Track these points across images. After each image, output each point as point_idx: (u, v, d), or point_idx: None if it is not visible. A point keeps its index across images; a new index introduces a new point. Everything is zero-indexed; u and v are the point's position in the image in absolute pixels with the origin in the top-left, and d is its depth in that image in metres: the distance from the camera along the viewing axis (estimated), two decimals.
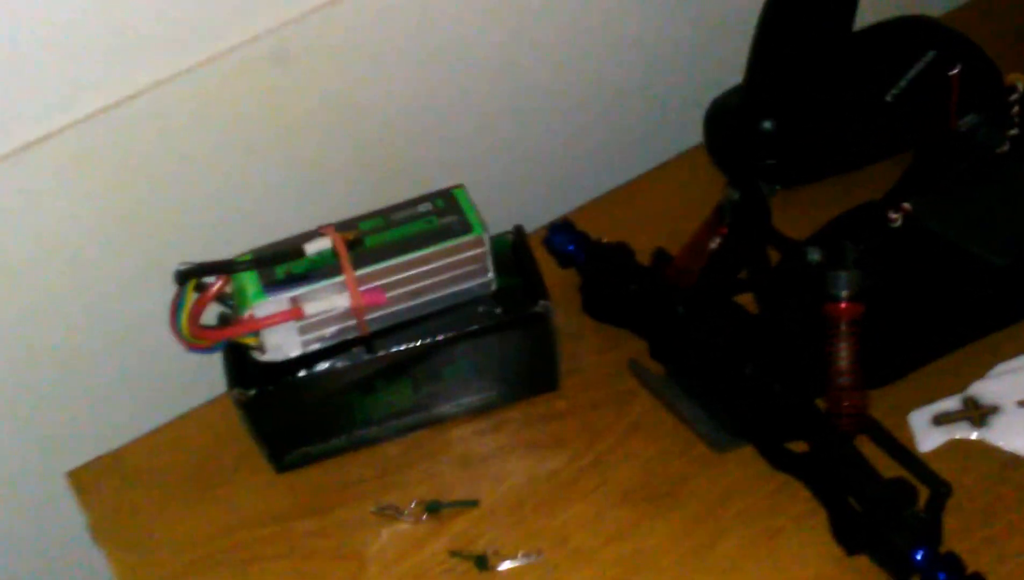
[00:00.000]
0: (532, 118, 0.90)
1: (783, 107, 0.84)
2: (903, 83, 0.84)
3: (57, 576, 0.92)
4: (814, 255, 0.67)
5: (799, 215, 0.79)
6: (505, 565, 0.70)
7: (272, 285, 0.70)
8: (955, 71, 0.78)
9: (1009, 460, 0.67)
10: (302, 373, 0.72)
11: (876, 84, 0.85)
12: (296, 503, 0.75)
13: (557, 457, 0.75)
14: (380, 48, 0.81)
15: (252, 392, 0.72)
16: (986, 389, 0.68)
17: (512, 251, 0.77)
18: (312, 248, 0.71)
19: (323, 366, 0.72)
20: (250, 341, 0.71)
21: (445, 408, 0.77)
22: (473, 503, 0.73)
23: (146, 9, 0.71)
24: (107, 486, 0.78)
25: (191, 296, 0.70)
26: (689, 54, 0.94)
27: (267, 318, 0.70)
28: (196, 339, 0.70)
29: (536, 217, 0.85)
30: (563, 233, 0.82)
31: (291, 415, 0.74)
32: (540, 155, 0.93)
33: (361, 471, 0.76)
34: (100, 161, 0.75)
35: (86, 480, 0.79)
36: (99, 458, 0.80)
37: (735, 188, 0.71)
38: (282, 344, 0.71)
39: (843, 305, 0.66)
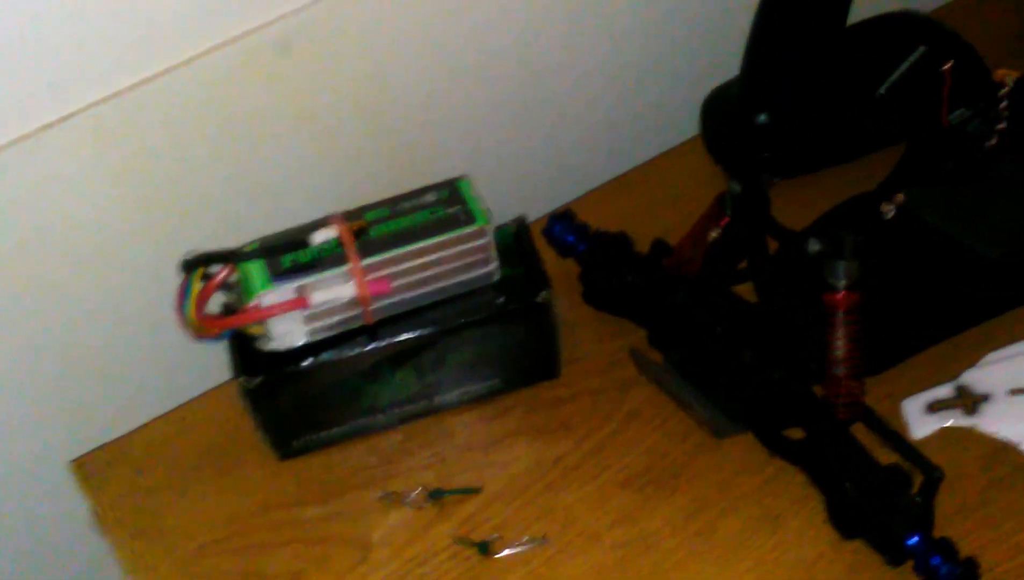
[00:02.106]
0: (535, 109, 0.91)
1: (778, 100, 0.86)
2: (895, 77, 0.85)
3: (62, 566, 0.93)
4: (814, 245, 0.68)
5: (793, 206, 0.80)
6: (508, 551, 0.71)
7: (278, 274, 0.71)
8: (947, 66, 0.79)
9: (1000, 447, 0.68)
10: (307, 362, 0.73)
11: (869, 78, 0.86)
12: (302, 490, 0.76)
13: (559, 444, 0.76)
14: (385, 39, 0.82)
15: (257, 380, 0.73)
16: (978, 377, 0.70)
17: (514, 241, 0.78)
18: (318, 238, 0.72)
19: (328, 355, 0.73)
20: (256, 330, 0.72)
21: (448, 396, 0.78)
22: (476, 490, 0.74)
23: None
24: (112, 475, 0.79)
25: (197, 285, 0.71)
26: (688, 47, 0.95)
27: (273, 307, 0.71)
28: (202, 328, 0.71)
29: (537, 207, 0.86)
30: (563, 223, 0.84)
31: (296, 403, 0.75)
32: (542, 146, 0.93)
33: (366, 458, 0.77)
34: (108, 149, 0.75)
35: (91, 469, 0.80)
36: (104, 446, 0.80)
37: (737, 180, 0.73)
38: (287, 333, 0.72)
39: (841, 294, 0.68)
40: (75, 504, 0.80)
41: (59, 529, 0.89)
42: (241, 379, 0.73)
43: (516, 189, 0.88)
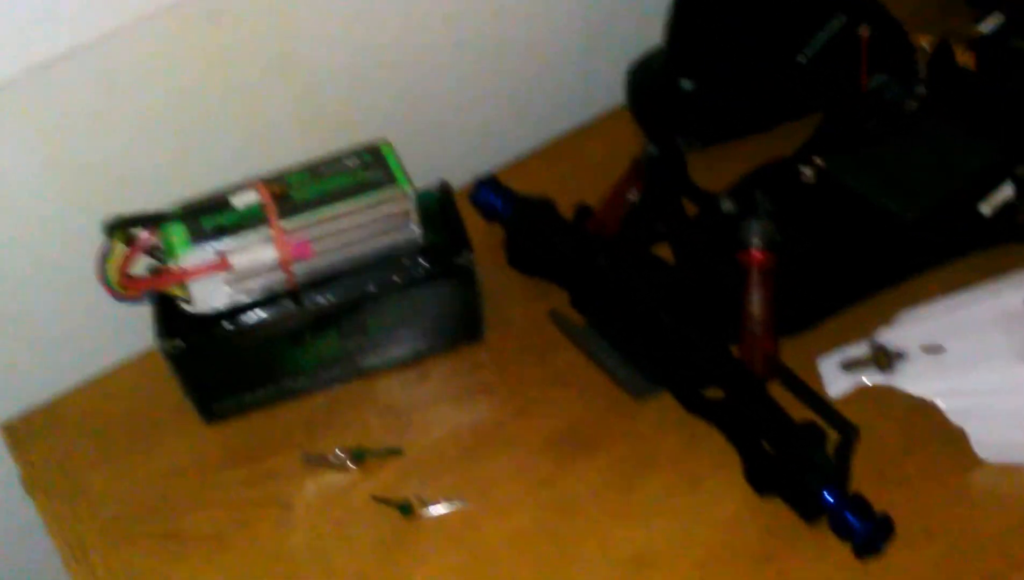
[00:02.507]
0: (460, 76, 0.92)
1: (701, 67, 0.87)
2: (814, 45, 0.86)
3: None
4: (728, 205, 0.69)
5: (717, 172, 0.81)
6: (429, 511, 0.72)
7: (199, 237, 0.71)
8: (864, 32, 0.80)
9: (915, 404, 0.69)
10: (230, 324, 0.73)
11: (789, 46, 0.88)
12: (226, 453, 0.77)
13: (481, 406, 0.77)
14: (312, 7, 0.82)
15: (180, 343, 0.73)
16: (892, 335, 0.71)
17: (438, 206, 0.79)
18: (239, 201, 0.72)
19: (251, 317, 0.74)
20: (178, 292, 0.72)
21: (372, 359, 0.78)
22: (398, 450, 0.75)
23: None
24: (39, 438, 0.79)
25: (118, 247, 0.71)
26: (612, 16, 0.95)
27: (194, 269, 0.71)
28: (123, 289, 0.71)
29: (463, 175, 0.86)
30: (489, 188, 0.84)
31: (219, 366, 0.75)
32: (468, 113, 0.94)
33: (289, 421, 0.77)
34: (34, 114, 0.75)
35: (18, 432, 0.80)
36: (31, 410, 0.81)
37: (654, 143, 0.73)
38: (209, 295, 0.72)
39: (756, 253, 0.69)
40: (3, 467, 0.80)
41: None
42: (164, 341, 0.73)
43: (442, 158, 0.88)
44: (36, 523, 0.76)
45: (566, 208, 0.82)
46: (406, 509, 0.72)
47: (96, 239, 0.71)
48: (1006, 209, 0.75)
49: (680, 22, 0.86)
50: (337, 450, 0.75)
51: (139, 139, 0.80)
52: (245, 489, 0.75)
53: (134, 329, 0.78)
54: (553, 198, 0.82)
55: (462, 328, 0.79)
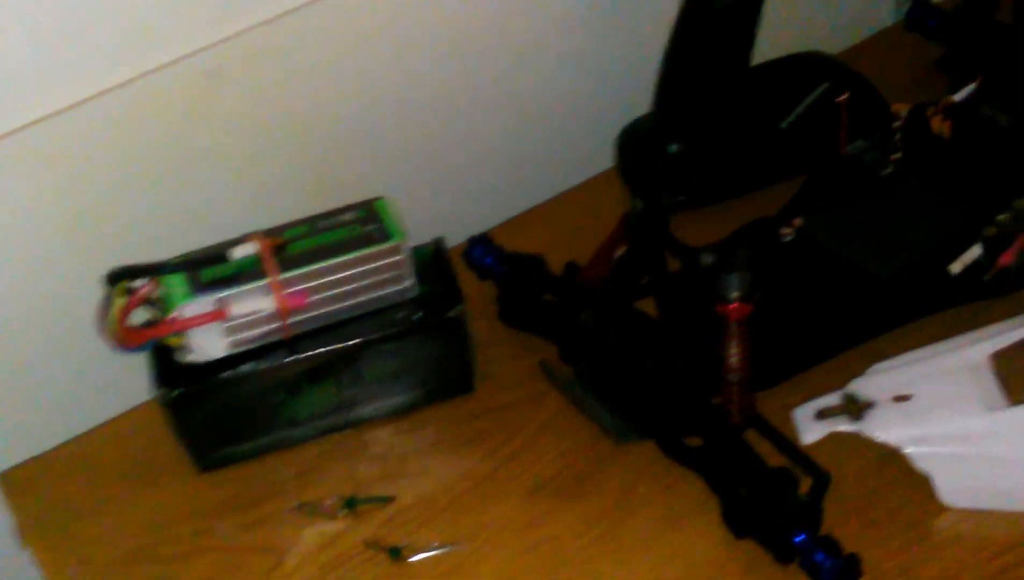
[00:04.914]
0: (458, 138, 0.95)
1: (689, 132, 0.90)
2: (797, 111, 0.90)
3: None
4: (707, 258, 0.72)
5: (703, 232, 0.83)
6: (419, 555, 0.73)
7: (198, 287, 0.73)
8: (843, 98, 0.83)
9: (885, 452, 0.71)
10: (226, 374, 0.76)
11: (773, 113, 0.91)
12: (220, 501, 0.78)
13: (472, 455, 0.79)
14: (312, 67, 0.85)
15: (176, 392, 0.75)
16: (864, 386, 0.73)
17: (432, 261, 0.81)
18: (238, 253, 0.75)
19: (247, 367, 0.76)
20: (176, 342, 0.75)
21: (366, 409, 0.81)
22: (389, 498, 0.77)
23: (83, 23, 0.75)
24: (36, 488, 0.81)
25: (120, 297, 0.73)
26: (604, 81, 0.99)
27: (192, 319, 0.73)
28: (124, 339, 0.73)
29: (457, 234, 0.89)
30: (481, 246, 0.87)
31: (215, 415, 0.77)
32: (464, 174, 0.97)
33: (282, 470, 0.79)
34: (39, 168, 0.78)
35: (15, 482, 0.82)
36: (29, 460, 0.82)
37: (638, 198, 0.76)
38: (207, 345, 0.75)
39: (734, 305, 0.71)
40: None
41: None
42: (160, 390, 0.75)
43: (436, 218, 0.91)
44: (32, 574, 0.78)
45: (556, 265, 0.84)
46: (396, 554, 0.73)
47: (95, 290, 0.73)
48: (974, 268, 0.78)
49: (668, 88, 0.90)
50: (330, 499, 0.77)
51: (138, 194, 0.83)
52: (238, 536, 0.76)
53: (133, 382, 0.80)
54: (543, 256, 0.85)
55: (454, 379, 0.81)
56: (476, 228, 0.90)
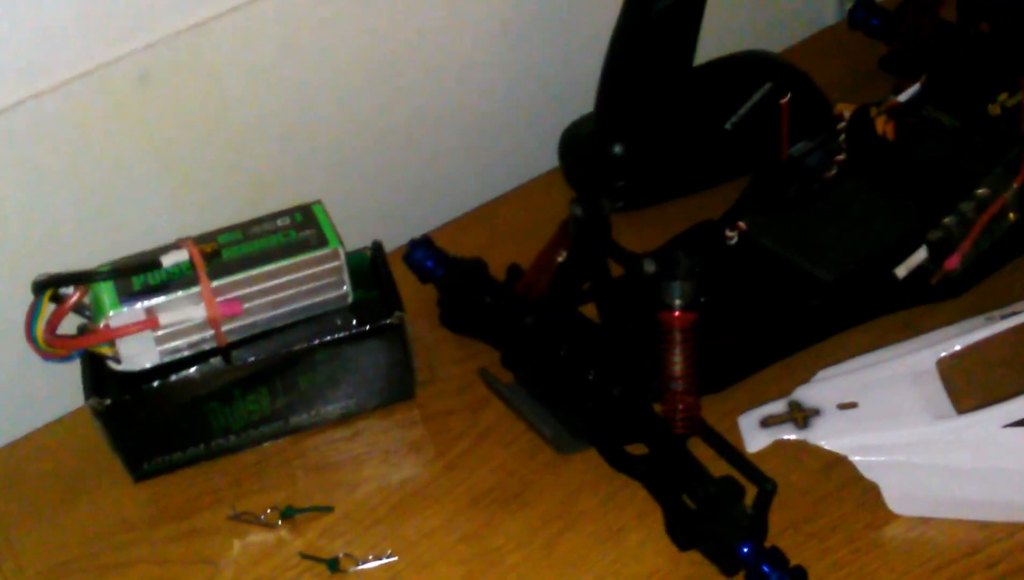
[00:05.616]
0: (396, 139, 0.93)
1: (631, 133, 0.89)
2: (741, 112, 0.89)
3: None
4: (650, 266, 0.71)
5: (646, 235, 0.83)
6: (357, 567, 0.72)
7: (128, 295, 0.71)
8: (784, 100, 0.83)
9: (831, 459, 0.71)
10: (158, 383, 0.74)
11: (717, 113, 0.90)
12: (154, 511, 0.77)
13: (411, 463, 0.78)
14: (243, 70, 0.83)
15: (107, 401, 0.73)
16: (809, 393, 0.72)
17: (370, 266, 0.80)
18: (169, 260, 0.73)
19: (180, 376, 0.74)
20: (106, 350, 0.73)
21: (303, 417, 0.79)
22: (328, 508, 0.75)
23: (9, 30, 0.73)
24: None
25: (47, 306, 0.71)
26: (545, 83, 0.98)
27: (122, 328, 0.71)
28: (51, 348, 0.71)
29: (397, 237, 0.88)
30: (422, 249, 0.85)
31: (148, 424, 0.76)
32: (402, 176, 0.95)
33: (218, 479, 0.78)
34: None
35: None
36: None
37: (578, 205, 0.75)
38: (138, 354, 0.73)
39: (676, 313, 0.70)
40: None
41: None
42: (92, 400, 0.73)
43: (374, 220, 0.90)
44: None
45: (499, 269, 0.83)
46: (334, 565, 0.72)
47: (24, 298, 0.71)
48: (919, 272, 0.77)
49: (610, 90, 0.89)
50: (266, 509, 0.75)
51: (67, 200, 0.81)
52: (173, 546, 0.75)
53: (64, 390, 0.78)
54: (486, 259, 0.84)
55: (393, 386, 0.80)
56: (418, 230, 0.89)
